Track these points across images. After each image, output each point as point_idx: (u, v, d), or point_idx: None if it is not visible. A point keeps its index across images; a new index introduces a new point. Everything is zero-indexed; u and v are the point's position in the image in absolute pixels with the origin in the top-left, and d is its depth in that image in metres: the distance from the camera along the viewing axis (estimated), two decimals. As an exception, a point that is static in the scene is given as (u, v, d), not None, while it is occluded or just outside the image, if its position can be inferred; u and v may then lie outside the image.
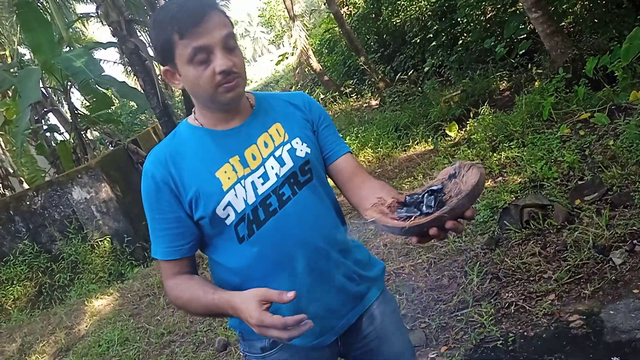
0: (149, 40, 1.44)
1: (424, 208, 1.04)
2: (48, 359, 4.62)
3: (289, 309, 1.32)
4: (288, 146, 1.34)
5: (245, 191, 1.28)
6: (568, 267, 2.91)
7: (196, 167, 1.28)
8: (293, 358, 1.39)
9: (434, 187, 1.07)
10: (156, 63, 16.16)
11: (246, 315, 1.12)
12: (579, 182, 3.72)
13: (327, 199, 1.41)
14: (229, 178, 1.28)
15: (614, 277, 2.70)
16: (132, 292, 5.37)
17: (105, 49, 10.46)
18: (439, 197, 1.04)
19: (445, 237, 1.04)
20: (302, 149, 1.35)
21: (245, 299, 1.14)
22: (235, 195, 1.27)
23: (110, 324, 4.71)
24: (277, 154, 1.33)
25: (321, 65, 13.72)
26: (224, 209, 1.27)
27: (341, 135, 6.92)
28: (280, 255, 1.30)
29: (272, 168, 1.31)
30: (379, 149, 6.89)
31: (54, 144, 10.52)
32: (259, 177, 1.30)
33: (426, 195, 1.06)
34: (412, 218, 1.03)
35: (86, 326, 5.01)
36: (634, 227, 2.98)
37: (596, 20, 6.48)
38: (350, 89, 11.85)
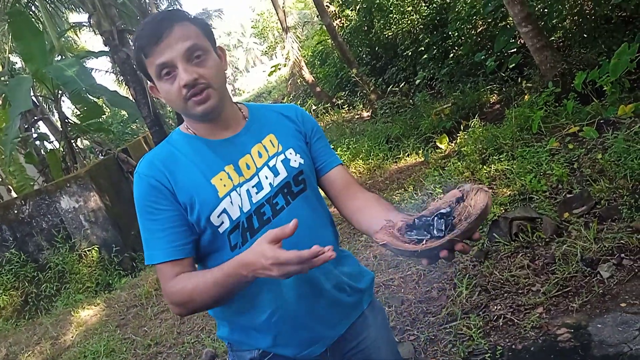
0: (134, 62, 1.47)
1: (434, 232, 1.05)
2: (32, 370, 4.55)
3: (276, 310, 1.32)
4: (282, 156, 1.35)
5: (241, 199, 1.27)
6: (556, 280, 2.91)
7: (191, 173, 1.27)
8: None
9: (443, 211, 1.08)
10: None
11: (260, 259, 1.08)
12: (568, 196, 3.73)
13: (321, 209, 1.41)
14: (224, 185, 1.27)
15: (601, 291, 2.70)
16: (119, 302, 5.31)
17: (97, 57, 10.46)
18: (449, 220, 1.06)
19: (454, 258, 1.05)
20: (295, 160, 1.36)
21: (255, 247, 1.11)
22: (231, 202, 1.26)
23: (96, 335, 4.65)
24: (271, 164, 1.33)
25: (313, 77, 13.78)
26: (218, 216, 1.25)
27: (333, 147, 6.92)
28: (295, 284, 1.30)
29: (266, 178, 1.31)
30: (370, 160, 6.91)
31: (43, 153, 10.46)
32: (253, 186, 1.30)
33: (436, 218, 1.07)
34: (424, 242, 1.05)
35: (72, 337, 4.94)
36: (622, 241, 2.99)
37: (585, 35, 6.56)
38: (342, 101, 11.90)
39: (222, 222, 1.26)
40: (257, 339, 1.36)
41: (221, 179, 1.27)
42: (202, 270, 1.26)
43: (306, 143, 1.42)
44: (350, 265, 1.48)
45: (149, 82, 1.30)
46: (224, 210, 1.26)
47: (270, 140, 1.36)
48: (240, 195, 1.27)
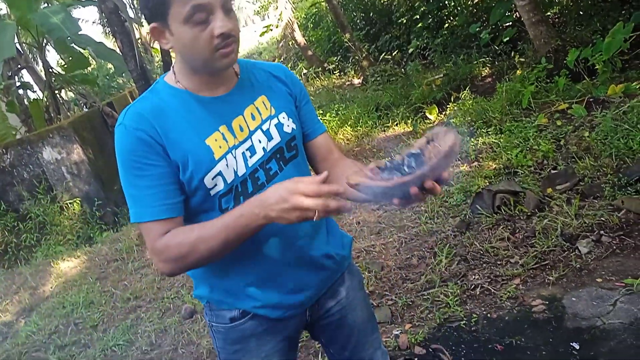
0: None
1: (405, 169, 1.06)
2: (11, 318, 4.54)
3: (261, 276, 1.33)
4: (275, 120, 1.31)
5: (236, 162, 1.23)
6: (535, 253, 2.95)
7: (184, 130, 1.20)
8: (261, 328, 1.38)
9: (413, 151, 1.09)
10: (136, 25, 15.65)
11: (278, 191, 1.05)
12: (552, 171, 3.76)
13: (308, 175, 1.40)
14: (220, 147, 1.22)
15: (578, 266, 2.75)
16: (100, 256, 5.30)
17: (84, 7, 10.16)
18: (419, 159, 1.06)
19: (424, 199, 1.04)
20: (288, 125, 1.33)
21: (273, 186, 1.09)
22: (227, 165, 1.22)
23: (75, 287, 4.65)
24: (264, 127, 1.29)
25: (305, 40, 13.55)
26: (213, 179, 1.21)
27: (322, 112, 6.91)
28: (278, 233, 1.28)
29: (260, 142, 1.27)
30: (359, 128, 6.86)
31: (26, 102, 10.23)
32: (247, 149, 1.26)
33: (406, 158, 1.08)
34: (397, 178, 1.05)
35: (51, 287, 4.94)
36: (602, 218, 3.04)
37: (581, 13, 6.52)
38: (334, 66, 11.75)
39: (216, 185, 1.22)
40: (237, 300, 1.36)
41: (216, 140, 1.22)
42: (202, 222, 1.20)
43: (295, 107, 1.39)
44: (331, 228, 1.49)
45: (150, 24, 1.17)
46: (220, 173, 1.21)
47: (263, 102, 1.31)
48: (235, 158, 1.23)
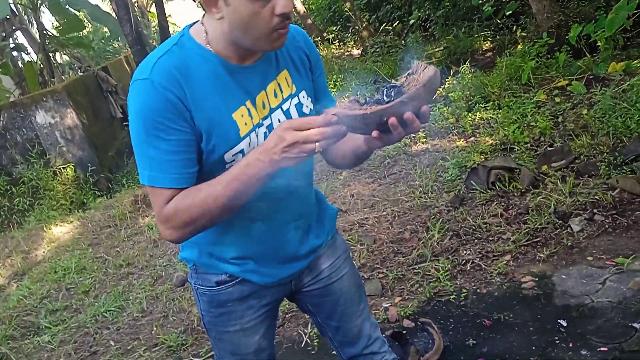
0: None
1: (384, 98, 1.03)
2: (3, 281, 4.56)
3: (253, 248, 1.33)
4: (296, 100, 1.27)
5: (257, 141, 1.19)
6: (527, 230, 2.95)
7: (212, 100, 1.13)
8: (247, 292, 1.38)
9: (392, 84, 1.07)
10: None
11: (276, 132, 1.03)
12: (549, 149, 3.74)
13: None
14: (245, 124, 1.17)
15: (570, 243, 2.75)
16: (93, 221, 5.29)
17: (79, -33, 9.90)
18: (398, 90, 1.04)
19: (403, 135, 1.01)
20: (307, 105, 1.29)
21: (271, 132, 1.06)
22: (249, 143, 1.17)
23: (68, 252, 4.65)
24: (284, 107, 1.24)
25: (305, 8, 13.33)
26: (233, 155, 1.16)
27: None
28: (267, 200, 1.24)
29: (279, 121, 1.23)
30: (343, 98, 6.79)
31: (20, 65, 10.08)
32: (266, 128, 1.21)
33: (385, 89, 1.05)
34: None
35: (43, 252, 4.94)
36: (596, 197, 3.03)
37: (586, -12, 6.38)
38: (333, 36, 11.57)
39: (233, 161, 1.17)
40: (226, 265, 1.35)
41: (242, 116, 1.16)
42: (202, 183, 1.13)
43: (311, 77, 1.34)
44: (321, 200, 1.49)
45: None
46: (241, 151, 1.17)
47: (285, 78, 1.26)
48: (257, 137, 1.19)
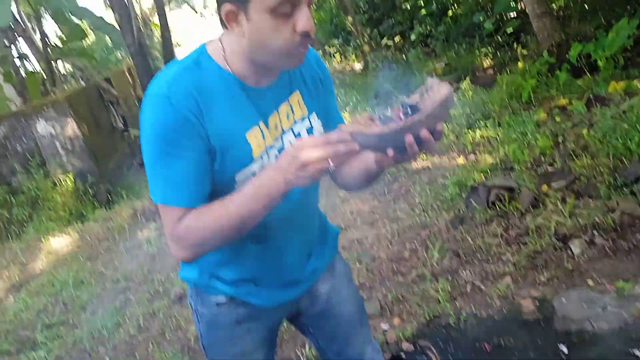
0: None
1: (400, 116, 1.03)
2: (0, 293, 4.53)
3: (255, 270, 1.32)
4: (307, 123, 1.26)
5: (269, 162, 1.18)
6: (527, 251, 2.93)
7: (227, 119, 1.11)
8: (247, 315, 1.37)
9: (409, 102, 1.07)
10: (136, 0, 15.40)
11: (289, 153, 1.02)
12: (549, 168, 3.73)
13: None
14: (258, 145, 1.16)
15: (570, 267, 2.74)
16: (91, 234, 5.27)
17: (83, -22, 9.97)
18: (414, 109, 1.04)
19: (418, 154, 1.02)
20: (318, 128, 1.28)
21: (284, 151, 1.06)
22: (261, 165, 1.16)
23: (66, 265, 4.63)
24: (296, 129, 1.24)
25: (307, 21, 13.39)
26: (244, 175, 1.15)
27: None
28: (271, 221, 1.21)
29: (290, 144, 1.21)
30: (357, 115, 6.81)
31: (23, 73, 10.10)
32: (277, 149, 1.20)
33: (400, 107, 1.05)
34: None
35: (41, 264, 4.92)
36: (596, 219, 3.01)
37: (586, 7, 6.44)
38: (335, 49, 11.64)
39: (244, 181, 1.15)
40: (226, 287, 1.34)
41: (255, 137, 1.15)
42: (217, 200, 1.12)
43: (323, 98, 1.34)
44: (323, 222, 1.49)
45: (225, 4, 1.04)
46: (253, 173, 1.16)
47: (298, 100, 1.25)
48: (269, 159, 1.18)
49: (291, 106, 1.24)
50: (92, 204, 6.31)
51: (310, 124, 1.27)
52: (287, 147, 1.18)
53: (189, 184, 1.10)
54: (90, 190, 6.40)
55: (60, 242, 5.31)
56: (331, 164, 1.00)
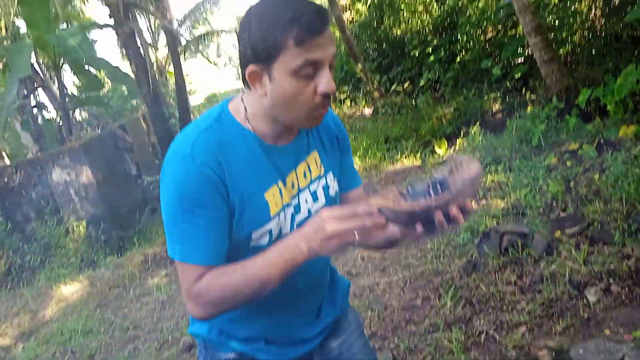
0: (251, 37, 1.08)
1: (431, 193, 1.04)
2: (10, 341, 4.50)
3: (267, 328, 1.32)
4: (323, 181, 1.28)
5: (285, 221, 1.20)
6: (542, 300, 2.88)
7: (247, 178, 1.13)
8: None
9: (438, 178, 1.08)
10: (152, 50, 15.83)
11: (317, 222, 1.02)
12: (561, 214, 3.70)
13: None
14: (275, 203, 1.17)
15: (586, 315, 2.67)
16: (102, 281, 5.26)
17: (101, 29, 10.32)
18: (443, 186, 1.05)
19: (447, 230, 1.02)
20: (333, 187, 1.30)
21: (310, 220, 1.06)
22: (277, 223, 1.18)
23: (75, 313, 4.61)
24: (312, 188, 1.26)
25: (318, 68, 13.64)
26: (261, 234, 1.17)
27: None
28: (287, 282, 1.19)
29: (306, 202, 1.24)
30: (368, 159, 6.86)
31: (40, 122, 10.35)
32: (294, 208, 1.22)
33: (430, 183, 1.06)
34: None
35: (51, 312, 4.90)
36: (612, 266, 2.96)
37: (593, 52, 6.50)
38: (345, 95, 11.80)
39: (260, 239, 1.17)
40: (237, 343, 1.33)
41: (273, 195, 1.17)
42: (237, 262, 1.12)
43: (339, 158, 1.36)
44: (333, 279, 1.48)
45: (251, 65, 1.08)
46: (269, 231, 1.17)
47: (315, 159, 1.28)
48: (285, 217, 1.20)
49: (308, 165, 1.26)
50: (103, 250, 6.33)
51: (327, 182, 1.29)
52: (303, 205, 1.21)
53: (208, 242, 1.11)
54: (102, 237, 6.43)
55: (70, 289, 5.31)
56: (357, 237, 1.00)
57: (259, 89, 1.10)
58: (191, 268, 1.12)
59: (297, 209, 1.22)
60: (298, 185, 1.23)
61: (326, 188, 1.29)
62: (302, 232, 1.06)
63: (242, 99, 1.18)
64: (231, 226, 1.14)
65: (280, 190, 1.18)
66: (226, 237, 1.14)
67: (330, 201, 1.29)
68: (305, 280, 1.29)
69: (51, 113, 10.79)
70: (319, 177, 1.28)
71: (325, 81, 1.06)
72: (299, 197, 1.23)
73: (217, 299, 1.11)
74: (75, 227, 6.44)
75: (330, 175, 1.30)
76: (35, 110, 10.83)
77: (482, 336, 2.77)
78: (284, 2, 1.05)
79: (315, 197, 1.26)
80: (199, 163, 1.07)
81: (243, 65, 1.10)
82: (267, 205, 1.16)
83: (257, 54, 1.06)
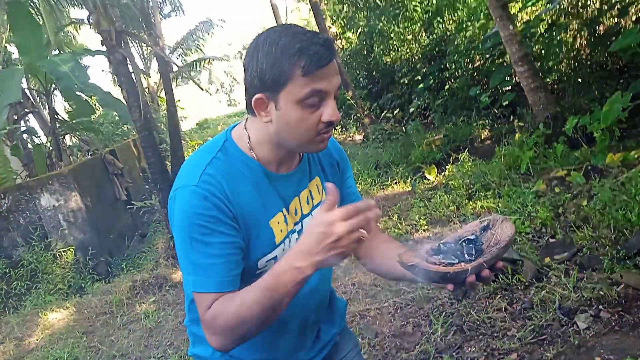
0: (258, 66, 1.05)
1: (464, 256, 1.04)
2: (-7, 370, 4.41)
3: (269, 351, 1.32)
4: None
5: (290, 247, 1.21)
6: (532, 326, 2.87)
7: (252, 205, 1.16)
8: None
9: (470, 237, 1.08)
10: (144, 76, 15.90)
11: (317, 230, 0.98)
12: (550, 240, 3.72)
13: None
14: (280, 231, 1.20)
15: (577, 342, 2.67)
16: (89, 308, 5.18)
17: (93, 56, 10.37)
18: (478, 246, 1.06)
19: (477, 287, 1.05)
20: None
21: (305, 229, 1.04)
22: (283, 250, 1.20)
23: (61, 340, 4.53)
24: (314, 213, 1.28)
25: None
26: (266, 261, 1.18)
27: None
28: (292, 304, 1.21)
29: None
30: (358, 185, 6.88)
31: (30, 147, 10.30)
32: (297, 233, 1.24)
33: (464, 243, 1.07)
34: (456, 265, 1.03)
35: (37, 339, 4.81)
36: (601, 292, 2.97)
37: (580, 80, 6.63)
38: (336, 122, 11.89)
39: (265, 267, 1.18)
40: None
41: (278, 223, 1.20)
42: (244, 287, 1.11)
43: (340, 183, 1.39)
44: (331, 299, 1.49)
45: (257, 93, 1.11)
46: (275, 257, 1.19)
47: (317, 185, 1.31)
48: (290, 243, 1.22)
49: (310, 191, 1.29)
50: (91, 276, 6.25)
51: None
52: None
53: (221, 268, 1.11)
54: (90, 263, 6.35)
55: (57, 316, 5.22)
56: (365, 233, 0.99)
57: (265, 116, 1.13)
58: (203, 297, 1.12)
59: (301, 234, 1.23)
60: (301, 211, 1.26)
61: None
62: (300, 248, 1.02)
63: (245, 127, 1.21)
64: (243, 250, 1.15)
65: (285, 217, 1.21)
66: (238, 261, 1.14)
67: None
68: (309, 302, 1.30)
69: (41, 138, 10.74)
70: (321, 202, 1.29)
71: (330, 110, 1.10)
72: (302, 223, 1.26)
73: (225, 326, 1.09)
74: (62, 253, 6.36)
75: None
76: (25, 135, 10.80)
77: (473, 363, 2.75)
78: (292, 33, 1.08)
79: None
80: (207, 193, 1.10)
81: (250, 92, 1.13)
82: (273, 232, 1.18)
83: (264, 82, 1.09)
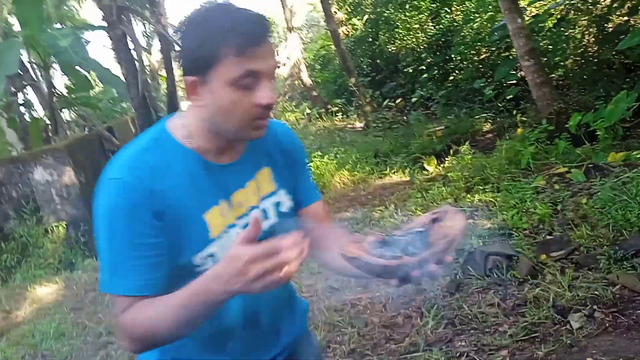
0: (187, 46, 0.98)
1: (410, 249, 0.97)
2: (-21, 342, 4.37)
3: (218, 348, 1.23)
4: (274, 198, 1.22)
5: (230, 242, 1.10)
6: (525, 323, 2.82)
7: (183, 200, 1.07)
8: None
9: (419, 229, 1.01)
10: (146, 54, 15.76)
11: (233, 263, 0.88)
12: (547, 237, 3.67)
13: None
14: (217, 225, 1.10)
15: (569, 342, 2.62)
16: (78, 283, 5.15)
17: (93, 31, 10.26)
18: (425, 239, 0.99)
19: (421, 282, 0.96)
20: (285, 203, 1.24)
21: (225, 256, 0.92)
22: (221, 246, 1.10)
23: (49, 315, 4.49)
24: (262, 205, 1.19)
25: (311, 81, 13.70)
26: (202, 258, 1.09)
27: (320, 154, 6.83)
28: (237, 304, 1.15)
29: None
30: (356, 173, 6.82)
31: (27, 120, 10.22)
32: (241, 227, 1.14)
33: (411, 236, 1.00)
34: (400, 258, 0.96)
35: (25, 313, 4.78)
36: (596, 292, 2.92)
37: (585, 77, 6.56)
38: (337, 108, 11.82)
39: (204, 264, 1.09)
40: None
41: (215, 217, 1.10)
42: (166, 295, 1.03)
43: (292, 172, 1.29)
44: (290, 300, 1.40)
45: (189, 76, 1.04)
46: (212, 254, 1.09)
47: (265, 176, 1.22)
48: (230, 237, 1.12)
49: (258, 182, 1.19)
50: (82, 252, 6.21)
51: (278, 199, 1.22)
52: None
53: (139, 270, 1.03)
54: (81, 239, 6.32)
55: (46, 291, 5.18)
56: (289, 273, 0.89)
57: (197, 99, 1.05)
58: (118, 299, 1.04)
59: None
60: (247, 203, 1.16)
61: (277, 205, 1.22)
62: (216, 272, 0.93)
63: (182, 115, 1.13)
64: (169, 252, 1.06)
65: (222, 210, 1.11)
66: (162, 263, 1.05)
67: (282, 217, 1.22)
68: (260, 301, 1.20)
69: (39, 112, 10.67)
70: (270, 195, 1.21)
71: (265, 92, 1.02)
72: (249, 216, 1.15)
73: (140, 333, 1.02)
74: (54, 228, 6.31)
75: (282, 192, 1.23)
76: (22, 108, 10.72)
77: (463, 358, 2.70)
78: (222, 10, 1.01)
79: (265, 214, 1.19)
80: (129, 188, 1.02)
81: (184, 75, 1.05)
82: (207, 227, 1.09)
83: (195, 65, 1.02)
